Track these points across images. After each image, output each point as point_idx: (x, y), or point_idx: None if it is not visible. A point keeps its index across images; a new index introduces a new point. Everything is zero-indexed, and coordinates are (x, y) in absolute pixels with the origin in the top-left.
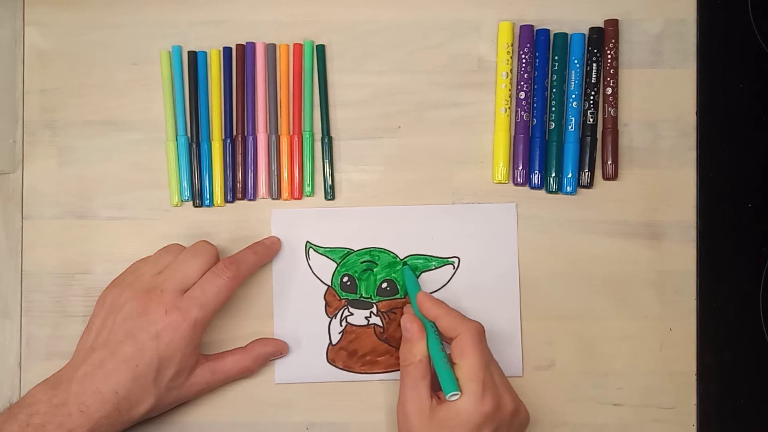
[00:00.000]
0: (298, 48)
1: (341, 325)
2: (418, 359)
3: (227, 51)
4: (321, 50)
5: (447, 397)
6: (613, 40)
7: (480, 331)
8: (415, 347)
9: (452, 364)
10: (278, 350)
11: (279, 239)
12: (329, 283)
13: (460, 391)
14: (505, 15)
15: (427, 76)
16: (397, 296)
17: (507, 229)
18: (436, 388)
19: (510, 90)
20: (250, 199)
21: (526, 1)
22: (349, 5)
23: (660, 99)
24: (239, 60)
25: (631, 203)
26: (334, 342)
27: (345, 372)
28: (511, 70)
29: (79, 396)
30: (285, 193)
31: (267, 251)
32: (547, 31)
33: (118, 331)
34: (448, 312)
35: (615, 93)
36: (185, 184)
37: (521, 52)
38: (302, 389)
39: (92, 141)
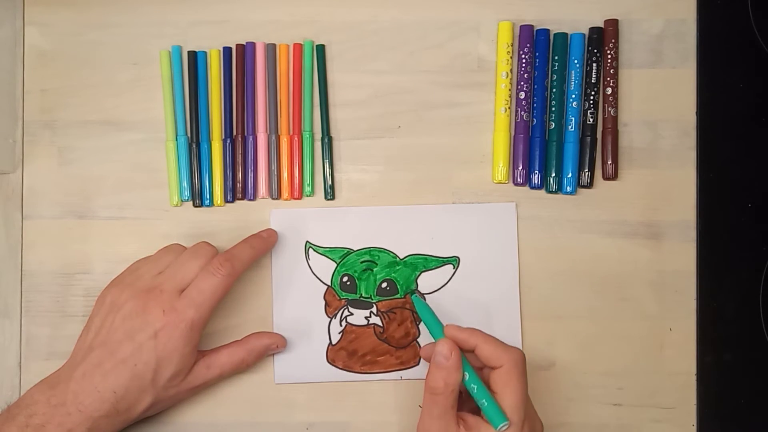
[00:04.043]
0: (298, 48)
1: (341, 325)
2: (451, 389)
3: (227, 51)
4: (321, 50)
5: (497, 428)
6: (613, 40)
7: (524, 360)
8: (451, 377)
9: (491, 392)
10: (274, 343)
11: (276, 231)
12: (329, 283)
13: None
14: (505, 15)
15: (427, 76)
16: (397, 296)
17: (507, 229)
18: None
19: (510, 90)
20: (250, 199)
21: (526, 1)
22: (349, 5)
23: (660, 99)
24: (239, 60)
25: (631, 203)
26: (334, 342)
27: (345, 372)
28: (511, 70)
29: (77, 395)
30: (285, 193)
31: (264, 244)
32: (547, 31)
33: (117, 331)
34: (486, 340)
35: (615, 93)
36: (185, 184)
37: (521, 52)
38: (302, 389)
39: (92, 141)
